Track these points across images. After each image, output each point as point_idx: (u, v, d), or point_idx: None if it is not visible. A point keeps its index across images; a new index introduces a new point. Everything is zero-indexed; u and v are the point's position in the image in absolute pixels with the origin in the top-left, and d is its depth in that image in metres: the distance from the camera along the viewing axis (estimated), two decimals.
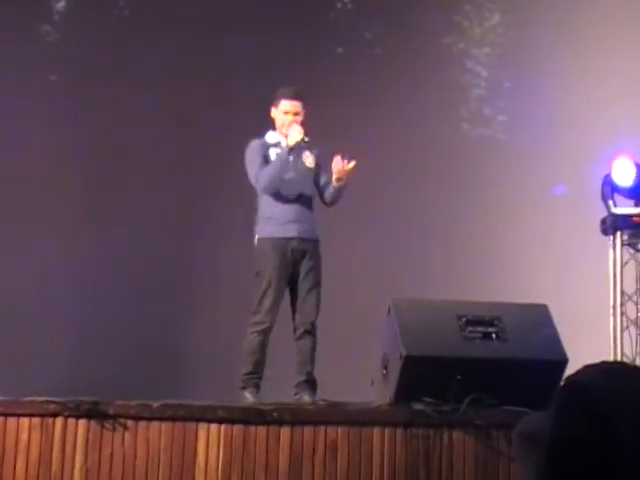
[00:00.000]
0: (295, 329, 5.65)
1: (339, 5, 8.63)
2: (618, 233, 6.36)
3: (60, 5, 8.34)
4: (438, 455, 4.66)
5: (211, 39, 8.23)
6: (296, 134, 5.72)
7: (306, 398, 5.47)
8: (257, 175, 5.71)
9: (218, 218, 7.64)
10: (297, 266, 5.66)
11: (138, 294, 7.60)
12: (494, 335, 5.06)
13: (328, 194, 5.83)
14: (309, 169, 5.83)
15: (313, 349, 5.65)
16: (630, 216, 6.36)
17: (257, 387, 5.53)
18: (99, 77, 8.11)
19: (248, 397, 5.44)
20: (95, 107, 8.05)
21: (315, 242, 5.75)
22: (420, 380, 4.81)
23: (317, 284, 5.67)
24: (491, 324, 5.09)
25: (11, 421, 4.61)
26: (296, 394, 5.51)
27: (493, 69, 8.51)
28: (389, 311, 5.12)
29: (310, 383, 5.58)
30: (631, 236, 6.41)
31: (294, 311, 5.67)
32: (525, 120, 8.28)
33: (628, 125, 7.58)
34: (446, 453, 4.67)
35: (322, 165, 5.86)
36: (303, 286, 5.64)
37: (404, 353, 4.84)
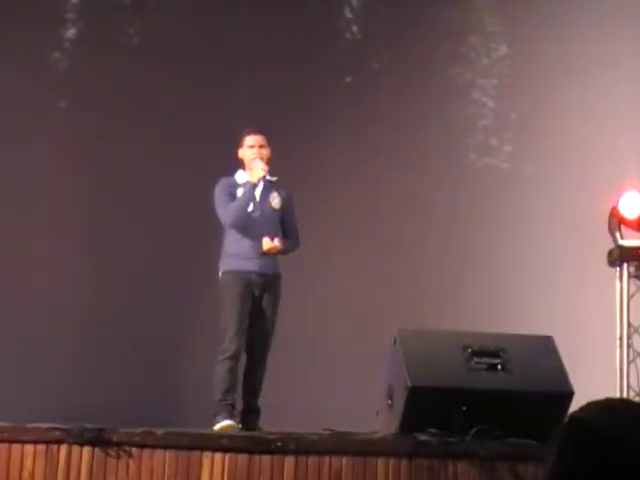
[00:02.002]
0: (249, 358, 5.85)
1: (348, 35, 8.68)
2: (625, 265, 6.37)
3: (70, 33, 8.39)
4: None
5: (220, 67, 8.27)
6: (258, 170, 5.93)
7: (255, 426, 5.71)
8: (224, 211, 5.94)
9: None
10: (257, 299, 5.89)
11: (139, 319, 7.60)
12: (499, 366, 5.06)
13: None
14: (274, 209, 6.02)
15: (261, 379, 5.86)
16: (637, 248, 6.38)
17: (229, 412, 5.68)
18: (108, 103, 8.15)
19: (220, 420, 5.60)
20: (104, 133, 8.09)
21: (276, 277, 5.97)
22: (425, 411, 4.81)
23: (273, 317, 5.91)
24: (496, 355, 5.09)
25: (15, 448, 4.61)
26: (244, 423, 5.73)
27: (499, 100, 8.53)
28: (395, 341, 5.12)
29: (257, 412, 5.81)
30: (638, 268, 6.41)
31: (251, 340, 5.84)
32: (531, 150, 8.29)
33: (635, 157, 7.60)
34: None
35: (290, 206, 6.09)
36: (263, 319, 5.87)
37: (409, 384, 4.84)
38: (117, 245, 7.91)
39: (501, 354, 5.08)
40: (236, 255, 5.91)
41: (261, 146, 6.01)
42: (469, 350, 5.06)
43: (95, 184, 8.01)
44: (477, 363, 5.03)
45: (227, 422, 5.60)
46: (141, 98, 8.07)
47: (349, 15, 8.70)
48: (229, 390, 5.72)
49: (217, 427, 5.57)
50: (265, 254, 5.91)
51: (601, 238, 6.48)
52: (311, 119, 8.19)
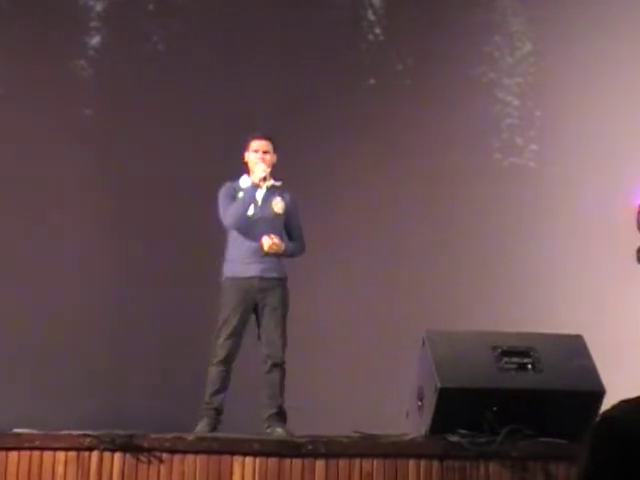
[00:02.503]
0: (264, 363, 5.86)
1: (371, 37, 8.67)
2: None
3: (95, 40, 8.44)
4: None
5: (244, 71, 8.29)
6: (260, 172, 5.96)
7: (278, 430, 5.72)
8: (224, 213, 5.98)
9: None
10: (260, 304, 5.90)
11: (169, 325, 7.62)
12: (529, 366, 5.03)
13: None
14: (277, 214, 6.03)
15: (282, 382, 5.86)
16: None
17: (210, 416, 5.79)
18: (133, 110, 8.18)
19: (199, 425, 5.72)
20: (129, 141, 8.12)
21: (279, 280, 5.96)
22: (455, 412, 4.80)
23: (281, 320, 5.89)
24: (526, 355, 5.06)
25: (47, 455, 4.64)
26: (268, 427, 5.76)
27: (524, 98, 8.50)
28: (423, 343, 5.11)
29: (281, 415, 5.83)
30: None
31: (262, 345, 5.88)
32: (558, 149, 8.26)
33: None
34: None
35: (294, 211, 6.09)
36: (268, 323, 5.87)
37: (439, 385, 4.83)
38: (144, 248, 7.94)
39: (531, 353, 5.06)
40: (237, 260, 5.95)
41: (265, 152, 6.04)
42: (498, 350, 5.04)
43: (122, 189, 8.05)
44: (507, 363, 5.02)
45: (202, 428, 5.70)
46: (166, 104, 8.10)
47: (372, 17, 8.70)
48: (215, 393, 5.81)
49: (196, 431, 5.65)
50: (267, 255, 5.91)
51: (630, 236, 6.44)
52: (335, 122, 8.19)
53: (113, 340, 7.80)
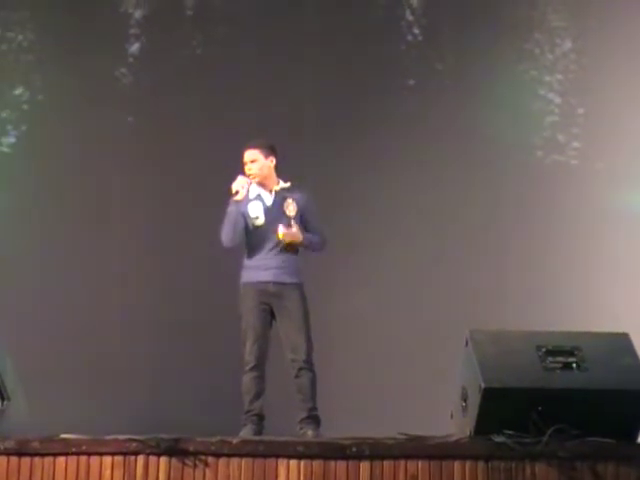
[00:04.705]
0: (292, 368, 5.87)
1: (410, 37, 8.66)
2: None
3: (135, 48, 8.50)
4: None
5: (284, 73, 8.31)
6: (236, 185, 5.95)
7: (310, 433, 5.74)
8: (220, 232, 5.99)
9: None
10: (276, 309, 5.91)
11: (211, 330, 7.65)
12: (575, 365, 4.99)
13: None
14: (289, 217, 5.99)
15: (311, 385, 5.86)
16: None
17: (254, 422, 5.81)
18: (174, 116, 8.23)
19: (243, 432, 5.72)
20: (171, 146, 8.17)
21: (293, 285, 5.94)
22: (500, 412, 4.76)
23: (302, 324, 5.87)
24: (571, 354, 5.01)
25: (94, 460, 4.67)
26: (300, 429, 5.78)
27: (566, 95, 8.46)
28: (467, 343, 5.08)
29: (312, 418, 5.83)
30: None
31: (286, 351, 5.89)
32: (599, 146, 8.20)
33: None
34: None
35: (308, 207, 6.04)
36: (288, 327, 5.88)
37: (483, 385, 4.79)
38: (185, 260, 7.98)
39: (576, 352, 5.01)
40: (253, 267, 5.95)
41: (252, 161, 6.02)
42: (543, 349, 4.99)
43: (164, 195, 8.09)
44: (552, 362, 4.97)
45: (247, 435, 5.70)
46: (206, 108, 8.13)
47: (410, 17, 8.69)
48: (253, 400, 5.83)
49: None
50: (285, 247, 5.89)
51: None
52: (376, 123, 8.19)
53: (158, 347, 7.85)
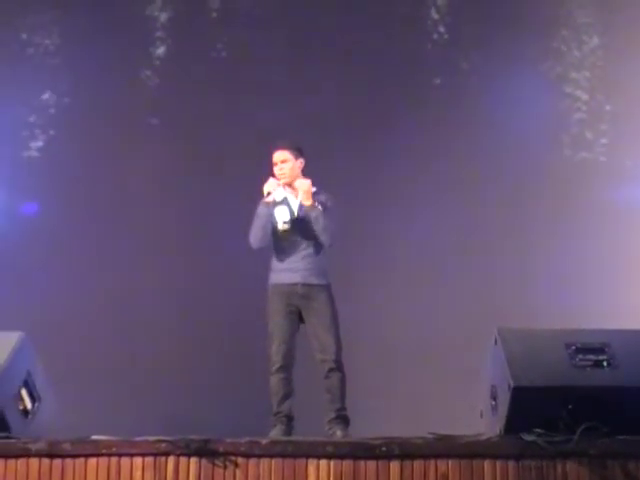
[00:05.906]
0: (321, 368, 5.87)
1: (435, 36, 8.64)
2: None
3: (160, 50, 8.54)
4: None
5: (309, 73, 8.32)
6: (267, 187, 5.95)
7: (338, 433, 5.74)
8: (249, 234, 5.99)
9: None
10: (304, 310, 5.93)
11: (240, 332, 7.66)
12: (605, 363, 4.96)
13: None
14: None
15: (341, 385, 5.86)
16: None
17: (283, 423, 5.82)
18: (199, 119, 8.25)
19: (272, 433, 5.73)
20: (197, 148, 8.20)
21: (320, 287, 5.95)
22: (530, 411, 4.75)
23: (331, 324, 5.87)
24: (601, 351, 4.99)
25: (125, 461, 4.69)
26: (329, 429, 5.79)
27: (593, 92, 8.41)
28: (495, 341, 5.07)
29: (341, 419, 5.82)
30: None
31: (315, 352, 5.89)
32: (628, 142, 8.16)
33: None
34: None
35: (327, 209, 5.99)
36: (317, 328, 5.88)
37: (512, 384, 4.78)
38: (211, 260, 7.99)
39: (606, 350, 4.98)
40: (281, 269, 5.97)
41: (283, 161, 6.03)
42: (573, 347, 4.97)
43: (190, 199, 8.12)
44: (581, 360, 4.95)
45: (276, 435, 5.71)
46: (231, 111, 8.15)
47: (435, 16, 8.67)
48: (282, 401, 5.84)
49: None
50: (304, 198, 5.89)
51: None
52: (403, 122, 8.18)
53: (187, 349, 7.87)
